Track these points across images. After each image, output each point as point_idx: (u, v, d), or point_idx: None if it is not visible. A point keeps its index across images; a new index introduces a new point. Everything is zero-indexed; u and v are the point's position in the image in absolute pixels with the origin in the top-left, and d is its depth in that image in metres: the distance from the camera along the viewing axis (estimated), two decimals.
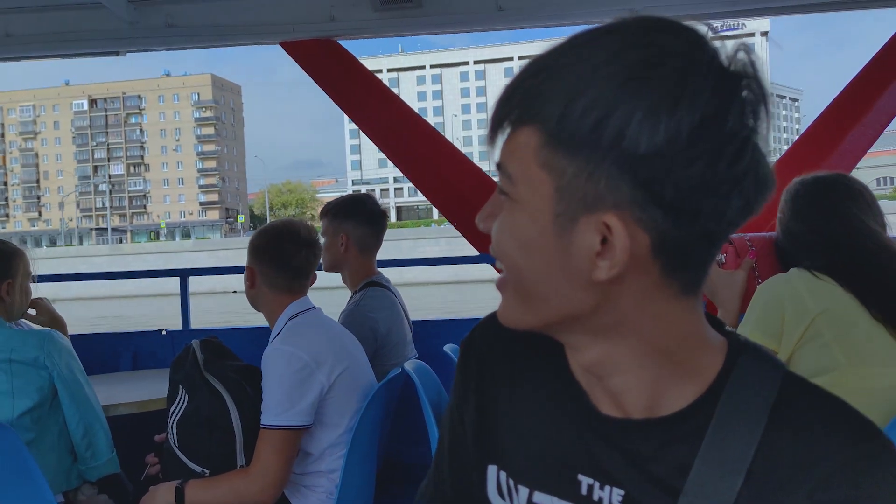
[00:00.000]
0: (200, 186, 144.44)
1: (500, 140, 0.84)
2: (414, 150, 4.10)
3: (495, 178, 0.90)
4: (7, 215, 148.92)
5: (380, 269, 3.50)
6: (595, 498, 0.92)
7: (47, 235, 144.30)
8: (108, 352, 4.13)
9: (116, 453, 2.91)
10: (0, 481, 2.31)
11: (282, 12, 4.02)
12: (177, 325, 4.39)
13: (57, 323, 3.32)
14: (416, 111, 4.32)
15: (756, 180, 0.76)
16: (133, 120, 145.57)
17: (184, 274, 4.35)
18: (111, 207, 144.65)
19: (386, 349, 3.24)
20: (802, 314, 2.17)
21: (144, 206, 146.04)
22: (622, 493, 0.89)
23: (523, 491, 0.98)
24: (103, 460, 2.82)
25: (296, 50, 4.10)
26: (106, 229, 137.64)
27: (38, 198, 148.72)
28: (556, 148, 0.78)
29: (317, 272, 2.80)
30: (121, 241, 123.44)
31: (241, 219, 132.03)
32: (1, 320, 2.81)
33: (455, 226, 4.07)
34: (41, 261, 3.21)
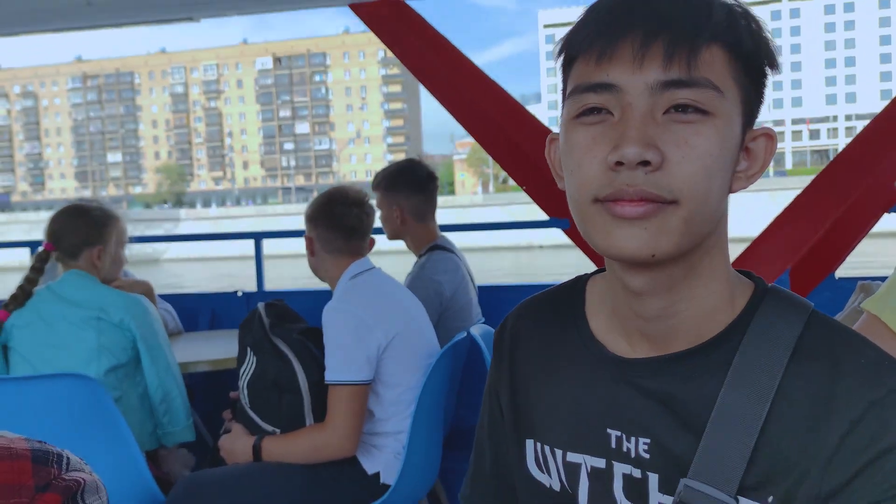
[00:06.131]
0: (388, 145, 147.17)
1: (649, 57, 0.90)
2: (483, 112, 4.16)
3: None
4: (192, 174, 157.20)
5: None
6: (623, 449, 1.01)
7: (232, 195, 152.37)
8: (187, 311, 4.41)
9: (195, 410, 3.09)
10: (89, 433, 2.55)
11: None
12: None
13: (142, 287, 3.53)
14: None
15: None
16: (317, 78, 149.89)
17: (258, 237, 4.68)
18: (296, 167, 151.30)
19: (451, 312, 3.40)
20: None
21: (329, 166, 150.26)
22: (647, 441, 0.99)
23: (558, 453, 1.08)
24: (180, 427, 2.97)
25: (365, 12, 4.28)
26: (290, 189, 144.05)
27: (223, 157, 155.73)
28: (739, 66, 0.91)
29: (375, 237, 2.96)
30: (306, 201, 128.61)
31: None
32: (94, 278, 2.95)
33: (524, 189, 4.13)
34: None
